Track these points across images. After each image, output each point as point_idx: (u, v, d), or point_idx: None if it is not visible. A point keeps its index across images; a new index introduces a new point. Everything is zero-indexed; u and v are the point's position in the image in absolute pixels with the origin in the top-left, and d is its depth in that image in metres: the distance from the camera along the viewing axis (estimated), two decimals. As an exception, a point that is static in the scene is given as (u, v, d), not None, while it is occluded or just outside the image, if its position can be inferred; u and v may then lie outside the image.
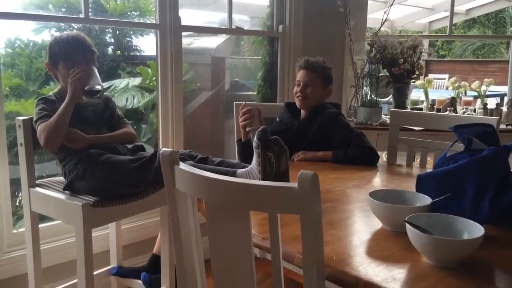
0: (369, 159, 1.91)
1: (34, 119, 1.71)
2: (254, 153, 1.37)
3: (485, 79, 3.33)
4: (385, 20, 3.10)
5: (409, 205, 1.17)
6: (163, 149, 1.06)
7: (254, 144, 1.36)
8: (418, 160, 2.06)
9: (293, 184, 0.84)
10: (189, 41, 3.78)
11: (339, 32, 3.17)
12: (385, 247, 1.06)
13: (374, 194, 1.18)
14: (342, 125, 2.02)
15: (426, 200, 1.16)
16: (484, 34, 12.91)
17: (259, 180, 1.34)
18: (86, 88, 1.70)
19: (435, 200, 1.14)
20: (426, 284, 0.88)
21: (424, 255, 0.97)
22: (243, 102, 1.91)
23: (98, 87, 1.73)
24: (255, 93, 3.32)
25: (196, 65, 3.76)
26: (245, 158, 1.77)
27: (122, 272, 2.11)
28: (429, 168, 1.93)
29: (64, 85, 1.77)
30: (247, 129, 1.87)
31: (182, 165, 1.04)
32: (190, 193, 1.05)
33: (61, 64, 1.75)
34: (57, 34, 1.83)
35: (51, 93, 1.81)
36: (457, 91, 3.32)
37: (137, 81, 3.46)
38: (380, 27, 3.11)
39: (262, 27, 3.24)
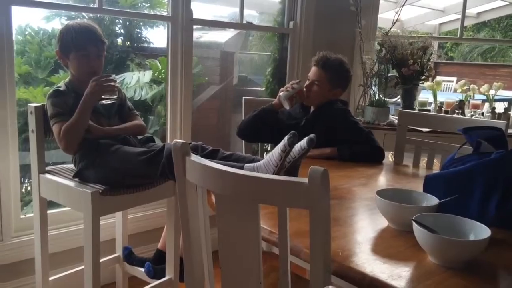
0: (375, 157, 1.93)
1: (48, 112, 1.73)
2: (276, 154, 1.37)
3: (494, 83, 3.32)
4: (396, 20, 3.10)
5: (416, 205, 1.18)
6: (175, 140, 1.07)
7: (281, 147, 1.37)
8: (424, 161, 2.06)
9: (304, 179, 0.86)
10: (198, 35, 3.79)
11: (349, 30, 3.17)
12: (391, 245, 1.07)
13: (382, 193, 1.18)
14: (350, 123, 2.02)
15: (433, 200, 1.17)
16: (492, 37, 12.83)
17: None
18: (103, 96, 1.74)
19: (442, 200, 1.15)
20: (431, 283, 0.89)
21: (430, 255, 0.98)
22: (253, 97, 1.95)
23: (115, 97, 1.78)
24: (264, 88, 3.33)
25: (205, 59, 3.78)
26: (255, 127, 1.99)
27: (131, 257, 2.13)
28: (436, 169, 1.93)
29: (75, 74, 1.79)
30: (280, 93, 1.98)
31: (194, 157, 1.05)
32: (201, 185, 1.07)
33: (72, 53, 1.75)
34: (67, 22, 1.83)
35: (61, 82, 1.82)
36: (465, 94, 3.32)
37: (147, 77, 3.47)
38: (391, 27, 3.11)
39: (273, 23, 3.24)
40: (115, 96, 1.78)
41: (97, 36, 1.79)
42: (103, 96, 1.73)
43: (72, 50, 1.75)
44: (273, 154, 1.40)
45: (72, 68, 1.79)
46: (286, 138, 1.37)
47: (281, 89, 2.01)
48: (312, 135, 1.40)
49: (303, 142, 1.41)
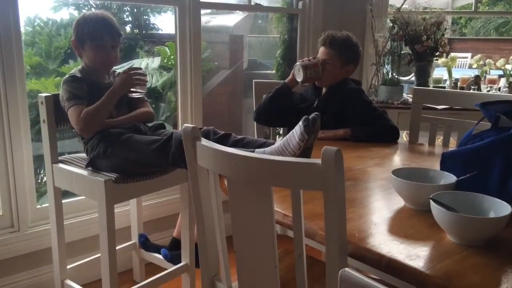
0: (389, 137, 1.89)
1: (64, 97, 1.72)
2: (294, 143, 1.33)
3: (511, 57, 3.24)
4: (408, -4, 3.02)
5: (433, 183, 1.15)
6: (185, 125, 1.05)
7: (298, 136, 1.33)
8: (440, 139, 2.02)
9: (317, 160, 0.84)
10: (206, 19, 3.74)
11: (360, 8, 3.11)
12: (408, 225, 1.05)
13: (397, 172, 1.16)
14: (363, 102, 1.99)
15: (451, 178, 1.13)
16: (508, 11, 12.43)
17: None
18: (132, 89, 1.77)
19: (460, 178, 1.12)
20: (451, 262, 0.87)
21: (449, 233, 0.96)
22: (263, 80, 1.93)
23: (143, 91, 1.81)
24: (274, 71, 3.29)
25: (213, 44, 3.73)
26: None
27: (147, 244, 2.15)
28: (452, 147, 1.89)
29: (90, 65, 1.79)
30: (296, 63, 1.97)
31: (204, 141, 1.04)
32: (212, 169, 1.05)
33: (88, 44, 1.75)
34: (85, 12, 1.82)
35: (75, 69, 1.82)
36: (481, 69, 3.24)
37: (156, 62, 3.46)
38: (403, 3, 3.03)
39: (282, 4, 3.19)
40: (143, 91, 1.81)
41: (113, 27, 1.79)
42: (131, 89, 1.77)
43: (87, 40, 1.75)
44: (289, 142, 1.36)
45: (87, 58, 1.79)
46: (302, 126, 1.31)
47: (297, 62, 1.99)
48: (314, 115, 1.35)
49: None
